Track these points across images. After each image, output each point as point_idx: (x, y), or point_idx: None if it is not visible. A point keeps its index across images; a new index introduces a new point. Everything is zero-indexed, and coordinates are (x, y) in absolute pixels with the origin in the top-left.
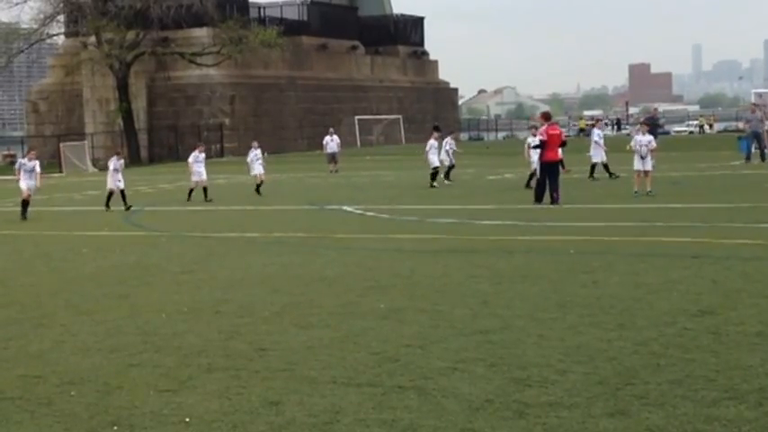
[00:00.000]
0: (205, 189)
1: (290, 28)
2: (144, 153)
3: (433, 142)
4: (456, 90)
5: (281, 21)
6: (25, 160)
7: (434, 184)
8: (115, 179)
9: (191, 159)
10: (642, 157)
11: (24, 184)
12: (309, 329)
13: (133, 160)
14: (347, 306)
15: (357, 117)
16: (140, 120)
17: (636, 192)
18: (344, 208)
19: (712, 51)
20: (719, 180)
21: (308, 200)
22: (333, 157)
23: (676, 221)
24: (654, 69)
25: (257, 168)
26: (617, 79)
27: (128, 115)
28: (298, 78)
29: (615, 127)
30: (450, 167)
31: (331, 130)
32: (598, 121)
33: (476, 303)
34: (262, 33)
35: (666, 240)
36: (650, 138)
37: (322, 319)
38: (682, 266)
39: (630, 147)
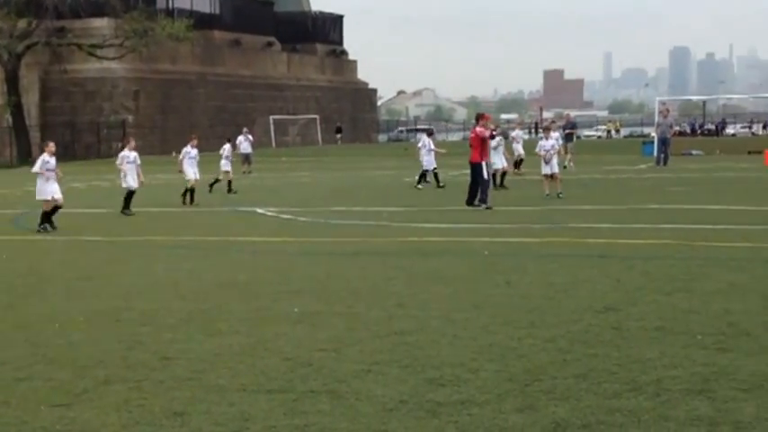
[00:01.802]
0: (193, 191)
1: (201, 21)
2: (36, 152)
3: (427, 141)
4: (375, 90)
5: (191, 13)
6: None
7: (419, 186)
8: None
9: (182, 155)
10: (547, 162)
11: None
12: (217, 336)
13: (23, 159)
14: (259, 311)
15: (272, 116)
16: (32, 116)
17: (547, 194)
18: (258, 210)
19: (622, 59)
20: (625, 183)
21: (220, 202)
22: (246, 158)
23: (585, 223)
24: (567, 75)
25: (202, 170)
26: (532, 84)
27: (17, 110)
28: (209, 74)
29: (533, 131)
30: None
31: (245, 129)
32: (429, 132)
33: (391, 305)
34: (170, 26)
35: (575, 241)
36: (553, 142)
37: (231, 326)
38: (589, 266)
39: (537, 152)
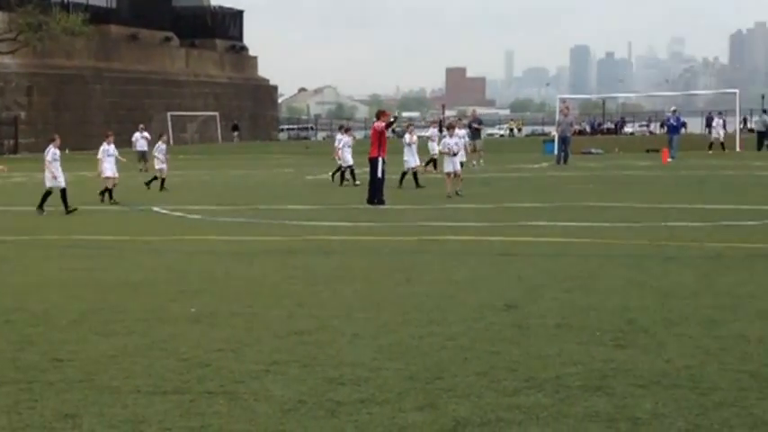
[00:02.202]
0: (111, 190)
1: (97, 15)
2: None
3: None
4: (275, 87)
5: (87, 7)
6: None
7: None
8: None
9: (100, 154)
10: (454, 154)
11: None
12: (112, 337)
13: None
14: (155, 311)
15: (170, 113)
16: None
17: (449, 194)
18: (155, 209)
19: (523, 58)
20: (527, 181)
21: (115, 200)
22: (143, 156)
23: (486, 221)
24: (469, 73)
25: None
26: (435, 82)
27: None
28: (105, 70)
29: (439, 129)
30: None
31: (141, 126)
32: (346, 128)
33: (291, 305)
34: (65, 20)
35: (477, 239)
36: (457, 140)
37: (126, 326)
38: (490, 264)
39: (440, 149)
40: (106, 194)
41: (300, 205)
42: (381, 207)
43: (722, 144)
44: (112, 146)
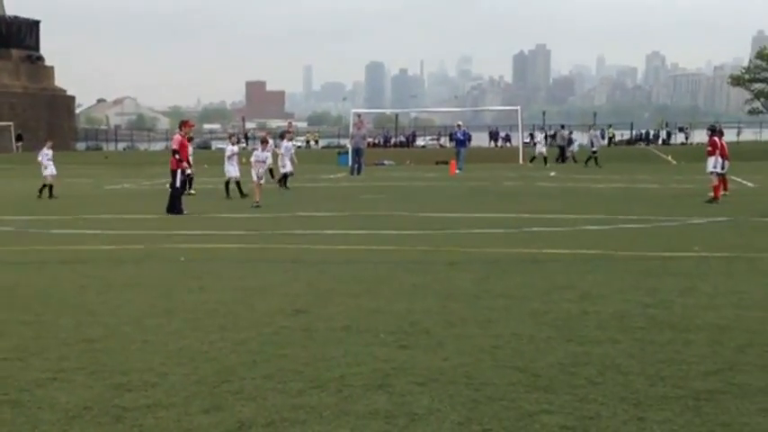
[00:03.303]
0: (51, 186)
1: None
2: None
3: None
4: (73, 98)
5: None
6: None
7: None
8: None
9: (40, 157)
10: (258, 172)
11: None
12: None
13: None
14: None
15: None
16: None
17: (258, 203)
18: None
19: (321, 73)
20: (322, 191)
21: None
22: None
23: (282, 229)
24: (269, 87)
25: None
26: (235, 95)
27: None
28: None
29: (243, 140)
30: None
31: None
32: (288, 132)
33: (82, 313)
34: None
35: (270, 247)
36: (268, 154)
37: None
38: (282, 271)
39: (249, 160)
40: (45, 191)
41: (97, 215)
42: (180, 216)
43: (545, 158)
44: (51, 151)
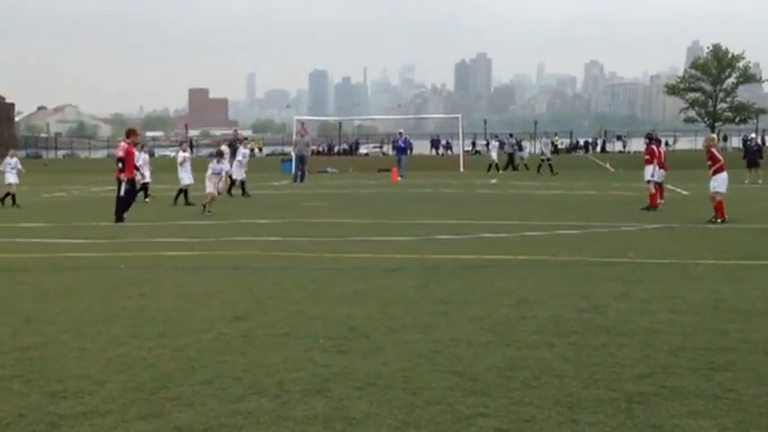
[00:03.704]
0: (14, 195)
1: None
2: None
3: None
4: (12, 105)
5: None
6: None
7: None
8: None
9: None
10: (215, 183)
11: None
12: None
13: None
14: None
15: None
16: None
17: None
18: None
19: (264, 80)
20: (266, 199)
21: None
22: None
23: (225, 236)
24: (212, 95)
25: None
26: (178, 102)
27: None
28: None
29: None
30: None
31: None
32: (245, 139)
33: (18, 321)
34: None
35: (212, 254)
36: (224, 166)
37: None
38: (223, 277)
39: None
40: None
41: (35, 223)
42: (122, 224)
43: (497, 165)
44: (15, 159)
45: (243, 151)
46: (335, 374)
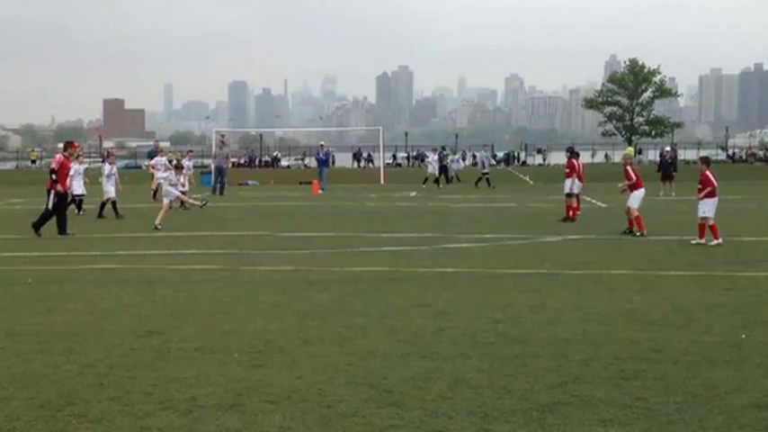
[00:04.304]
0: None
1: None
2: None
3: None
4: None
5: None
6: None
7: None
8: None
9: None
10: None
11: None
12: None
13: None
14: None
15: None
16: None
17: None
18: None
19: (182, 91)
20: (183, 211)
21: None
22: None
23: (139, 250)
24: (128, 105)
25: None
26: (92, 113)
27: None
28: None
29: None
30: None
31: None
32: (190, 152)
33: None
34: None
35: (125, 267)
36: (167, 175)
37: None
38: (136, 291)
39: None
40: None
41: None
42: (37, 237)
43: (436, 179)
44: None
45: (187, 164)
46: (249, 388)
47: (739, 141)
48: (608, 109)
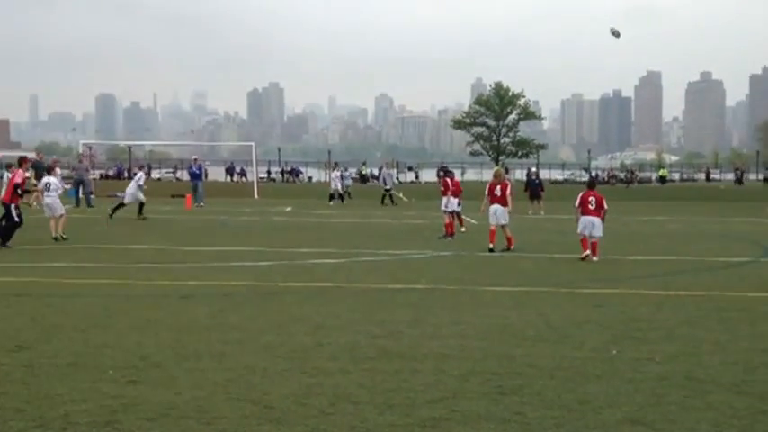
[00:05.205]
0: None
1: None
2: None
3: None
4: None
5: None
6: None
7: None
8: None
9: None
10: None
11: None
12: None
13: None
14: None
15: None
16: None
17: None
18: None
19: (48, 102)
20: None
21: None
22: None
23: (4, 262)
24: None
25: None
26: None
27: None
28: None
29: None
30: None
31: None
32: (141, 167)
33: None
34: None
35: None
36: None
37: None
38: (4, 305)
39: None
40: None
41: None
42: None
43: (340, 195)
44: None
45: (140, 174)
46: (125, 405)
47: (601, 163)
48: (475, 129)
